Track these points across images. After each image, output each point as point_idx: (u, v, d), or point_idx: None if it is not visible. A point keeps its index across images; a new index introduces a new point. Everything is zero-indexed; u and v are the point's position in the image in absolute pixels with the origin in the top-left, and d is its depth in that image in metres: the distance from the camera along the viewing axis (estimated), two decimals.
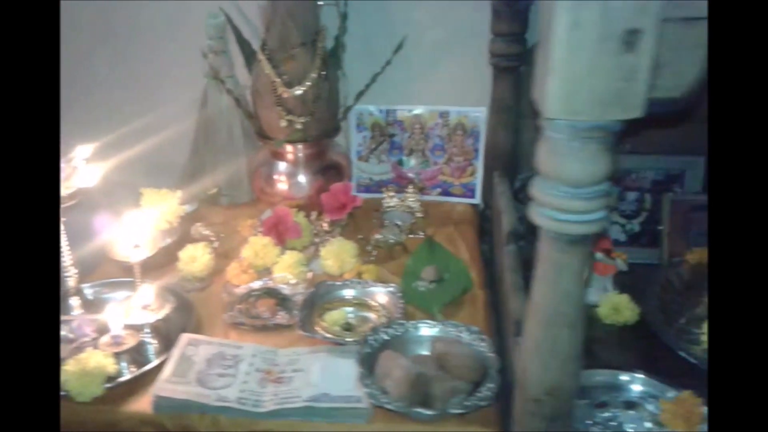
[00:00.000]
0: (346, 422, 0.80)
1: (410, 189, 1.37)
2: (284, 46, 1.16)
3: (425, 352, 0.87)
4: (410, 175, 1.45)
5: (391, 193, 1.37)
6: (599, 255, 1.22)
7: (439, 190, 1.46)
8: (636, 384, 0.90)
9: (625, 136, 1.30)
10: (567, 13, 0.49)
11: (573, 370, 0.67)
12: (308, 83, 1.15)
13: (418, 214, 1.36)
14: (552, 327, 0.65)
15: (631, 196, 1.35)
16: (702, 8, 0.50)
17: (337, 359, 0.88)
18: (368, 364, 0.84)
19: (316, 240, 1.21)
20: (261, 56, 1.17)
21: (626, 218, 1.36)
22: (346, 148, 1.40)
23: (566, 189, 0.57)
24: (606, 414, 0.87)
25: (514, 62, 1.26)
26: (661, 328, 1.11)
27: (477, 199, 1.44)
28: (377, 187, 1.44)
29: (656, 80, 0.52)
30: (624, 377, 0.90)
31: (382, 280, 1.11)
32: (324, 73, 1.18)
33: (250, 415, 0.81)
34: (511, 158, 1.36)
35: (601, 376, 0.90)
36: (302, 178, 1.26)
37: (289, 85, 1.16)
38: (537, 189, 0.60)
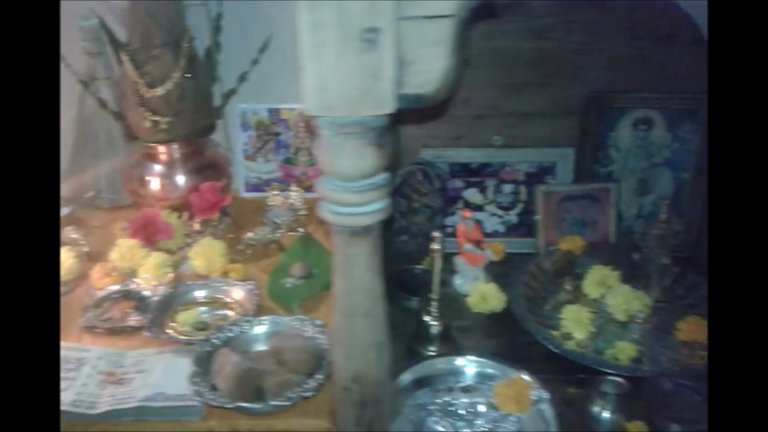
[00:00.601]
0: (181, 420, 0.81)
1: (293, 187, 1.38)
2: (147, 47, 1.15)
3: (264, 348, 0.88)
4: (297, 173, 1.46)
5: (275, 192, 1.38)
6: (468, 246, 1.26)
7: None
8: (472, 368, 0.93)
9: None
10: (306, 14, 0.51)
11: (376, 357, 0.69)
12: (172, 83, 1.15)
13: (301, 212, 1.37)
14: (349, 317, 0.67)
15: (507, 188, 1.39)
16: (442, 7, 0.52)
17: (181, 359, 0.88)
18: (206, 362, 0.84)
19: (189, 241, 1.21)
20: (123, 57, 1.16)
21: (504, 210, 1.41)
22: (227, 147, 1.40)
23: (339, 183, 0.59)
24: (445, 399, 0.90)
25: None
26: (524, 315, 1.15)
27: None
28: (266, 185, 1.45)
29: (405, 77, 0.54)
30: (460, 362, 0.93)
31: (250, 279, 1.12)
32: (190, 73, 1.18)
33: (83, 417, 0.80)
34: (392, 154, 1.38)
35: (441, 363, 0.93)
36: (177, 179, 1.26)
37: (152, 85, 1.15)
38: (319, 184, 0.62)
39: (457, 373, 0.93)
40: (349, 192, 0.59)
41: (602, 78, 1.28)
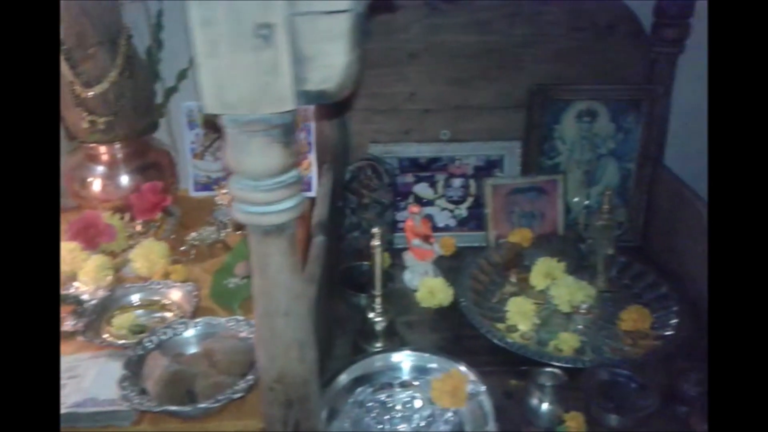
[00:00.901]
0: (112, 425, 0.79)
1: None
2: (82, 45, 1.12)
3: (196, 350, 0.87)
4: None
5: (223, 190, 1.36)
6: (416, 241, 1.26)
7: None
8: (409, 363, 0.93)
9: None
10: (197, 11, 0.50)
11: (299, 356, 0.68)
12: (108, 82, 1.13)
13: None
14: (269, 317, 0.66)
15: (457, 182, 1.39)
16: (337, 2, 0.52)
17: (115, 364, 0.87)
18: (137, 366, 0.83)
19: (132, 242, 1.19)
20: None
21: (454, 204, 1.41)
22: (172, 146, 1.38)
23: (247, 182, 0.58)
24: (383, 396, 0.90)
25: None
26: (470, 308, 1.15)
27: (313, 192, 1.45)
28: (215, 184, 1.43)
29: (305, 74, 0.54)
30: (397, 358, 0.93)
31: (193, 280, 1.10)
32: (128, 71, 1.16)
33: None
34: (341, 150, 1.38)
35: (379, 360, 0.93)
36: (119, 180, 1.23)
37: (88, 84, 1.13)
38: (230, 183, 0.61)
39: (394, 369, 0.93)
40: (258, 191, 0.58)
41: (546, 71, 1.29)
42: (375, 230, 1.00)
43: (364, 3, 0.53)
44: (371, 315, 1.06)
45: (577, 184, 1.37)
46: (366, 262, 1.30)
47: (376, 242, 1.00)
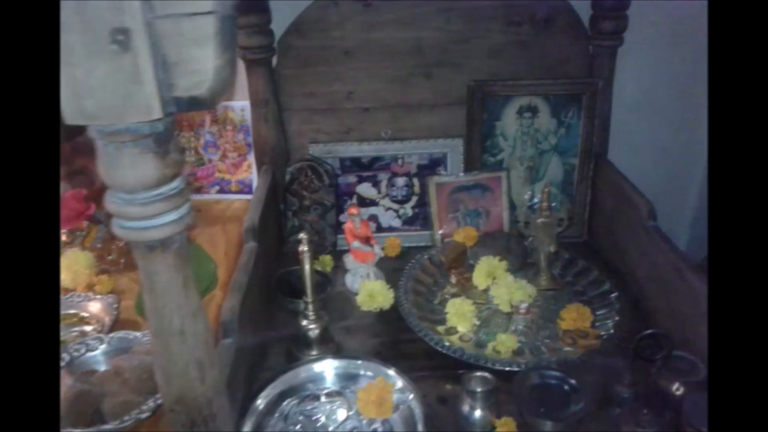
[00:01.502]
0: None
1: None
2: None
3: (107, 368, 0.83)
4: (185, 174, 1.40)
5: None
6: (356, 243, 1.23)
7: (217, 187, 1.43)
8: (332, 372, 0.90)
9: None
10: (61, 15, 0.46)
11: (198, 376, 0.65)
12: None
13: None
14: (162, 336, 0.62)
15: (400, 181, 1.37)
16: (200, 4, 0.48)
17: None
18: None
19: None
20: None
21: (398, 203, 1.38)
22: None
23: (122, 196, 0.55)
24: (309, 407, 0.87)
25: (263, 54, 1.24)
26: (409, 311, 1.13)
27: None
28: None
29: (173, 80, 0.50)
30: (319, 367, 0.90)
31: (119, 290, 1.06)
32: None
33: None
34: (280, 151, 1.34)
35: (303, 370, 0.90)
36: None
37: None
38: (105, 198, 0.57)
39: (319, 379, 0.90)
40: (134, 205, 0.54)
41: (485, 66, 1.27)
42: (302, 235, 0.97)
43: (231, 4, 0.49)
44: (304, 322, 1.03)
45: (522, 181, 1.35)
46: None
47: (303, 248, 0.97)
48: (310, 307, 1.02)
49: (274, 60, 1.27)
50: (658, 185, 1.39)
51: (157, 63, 0.49)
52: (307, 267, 0.98)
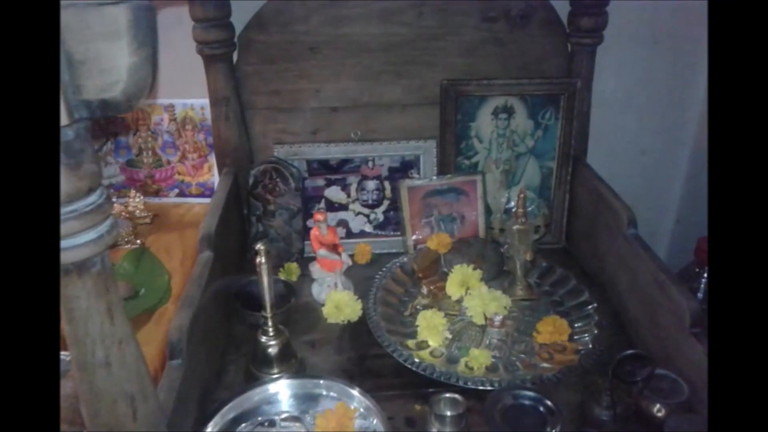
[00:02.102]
0: None
1: (132, 193, 1.25)
2: None
3: None
4: (141, 176, 1.33)
5: (112, 199, 1.24)
6: (322, 251, 1.16)
7: (176, 190, 1.35)
8: (288, 393, 0.84)
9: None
10: None
11: (128, 411, 0.58)
12: None
13: (143, 220, 1.24)
14: (85, 369, 0.55)
15: (371, 185, 1.30)
16: None
17: None
18: None
19: None
20: None
21: (369, 208, 1.32)
22: None
23: None
24: None
25: (222, 49, 1.16)
26: (378, 323, 1.06)
27: None
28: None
29: (80, 81, 0.43)
30: (275, 388, 0.84)
31: None
32: None
33: None
34: (243, 153, 1.27)
35: (257, 393, 0.83)
36: None
37: None
38: None
39: (275, 401, 0.84)
40: None
41: (458, 64, 1.20)
42: (259, 246, 0.90)
43: None
44: (263, 339, 0.96)
45: (498, 185, 1.29)
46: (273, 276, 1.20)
47: (261, 259, 0.90)
48: (269, 322, 0.95)
49: (235, 56, 1.20)
50: (637, 189, 1.35)
51: (60, 61, 0.42)
52: (265, 280, 0.91)
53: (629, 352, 0.78)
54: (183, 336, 0.83)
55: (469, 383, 0.93)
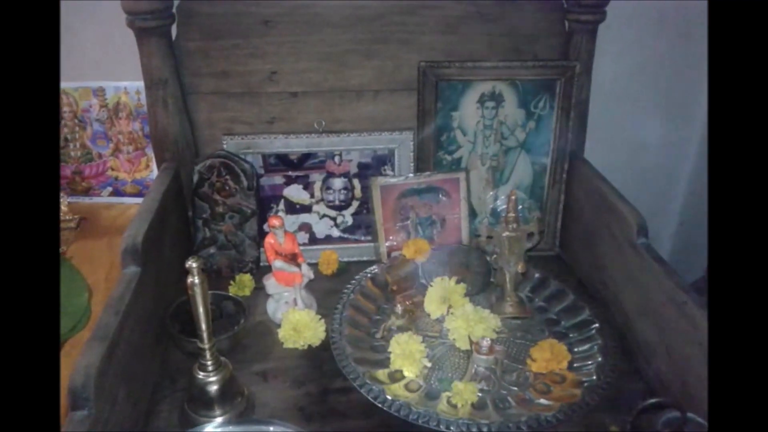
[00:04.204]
0: None
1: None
2: None
3: None
4: (68, 171, 1.14)
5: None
6: (279, 262, 0.99)
7: (109, 189, 1.16)
8: None
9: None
10: None
11: None
12: None
13: (69, 224, 1.05)
14: None
15: (338, 183, 1.14)
16: None
17: None
18: None
19: None
20: None
21: (335, 210, 1.15)
22: None
23: None
24: None
25: (157, 21, 0.97)
26: (343, 349, 0.89)
27: None
28: None
29: None
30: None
31: None
32: None
33: None
34: (185, 145, 1.08)
35: None
36: None
37: None
38: None
39: None
40: None
41: (438, 44, 1.05)
42: (190, 263, 0.71)
43: None
44: (200, 375, 0.78)
45: (484, 183, 1.13)
46: (218, 292, 1.02)
47: (194, 279, 0.72)
48: (207, 354, 0.77)
49: (174, 30, 1.01)
50: (637, 186, 1.20)
51: None
52: (200, 305, 0.73)
53: (652, 401, 0.63)
54: (90, 380, 0.65)
55: (451, 427, 0.77)
